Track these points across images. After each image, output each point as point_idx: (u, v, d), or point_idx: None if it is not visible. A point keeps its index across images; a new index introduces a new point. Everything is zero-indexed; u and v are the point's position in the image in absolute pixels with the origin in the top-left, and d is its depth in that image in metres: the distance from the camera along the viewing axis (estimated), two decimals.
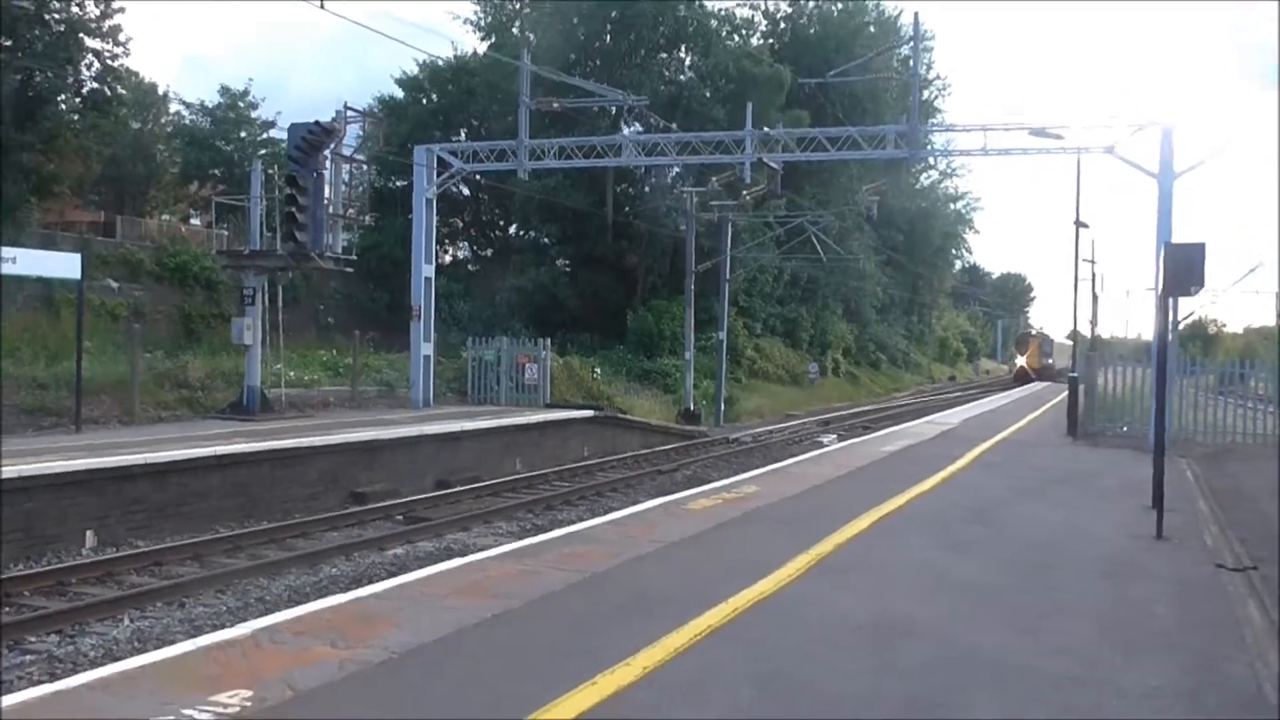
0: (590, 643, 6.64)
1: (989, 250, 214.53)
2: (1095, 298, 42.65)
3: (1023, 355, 73.68)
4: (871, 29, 57.93)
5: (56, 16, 30.76)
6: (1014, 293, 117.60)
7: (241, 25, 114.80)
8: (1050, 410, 30.09)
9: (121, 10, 32.52)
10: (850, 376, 60.59)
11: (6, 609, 10.85)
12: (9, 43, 29.47)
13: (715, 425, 36.17)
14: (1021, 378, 68.27)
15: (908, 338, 76.49)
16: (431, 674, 6.03)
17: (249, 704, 5.37)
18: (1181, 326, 44.68)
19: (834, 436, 31.21)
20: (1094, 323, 52.26)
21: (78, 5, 31.45)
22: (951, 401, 46.23)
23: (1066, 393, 25.46)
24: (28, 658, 9.39)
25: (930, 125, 42.05)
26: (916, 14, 27.63)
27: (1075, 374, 25.04)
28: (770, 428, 36.18)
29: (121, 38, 32.87)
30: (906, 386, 67.87)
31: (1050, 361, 70.93)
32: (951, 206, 75.72)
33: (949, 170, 71.66)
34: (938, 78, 67.16)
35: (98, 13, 32.03)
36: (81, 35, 31.73)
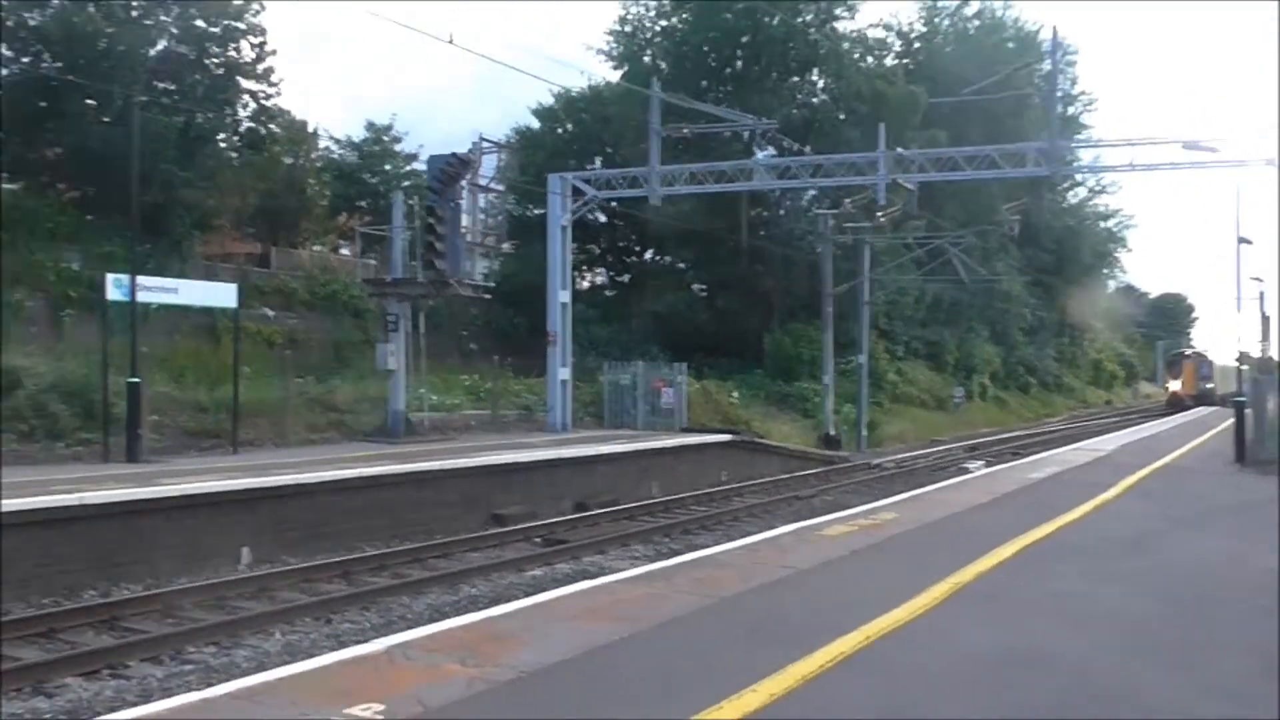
0: (716, 668, 6.59)
1: (1146, 269, 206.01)
2: (1265, 318, 40.39)
3: (1176, 379, 66.98)
4: (1010, 45, 56.55)
5: (215, 61, 32.44)
6: (1174, 313, 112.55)
7: (386, 60, 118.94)
8: (1215, 436, 28.64)
9: (274, 53, 34.09)
10: (998, 401, 58.89)
11: (170, 620, 11.41)
12: (173, 87, 31.23)
13: (856, 450, 35.64)
14: (1175, 404, 62.52)
15: (1059, 360, 73.83)
16: (556, 695, 6.08)
17: (380, 717, 5.50)
18: None
19: (980, 463, 30.37)
20: (1264, 343, 49.65)
21: (234, 49, 33.10)
22: (1106, 427, 44.51)
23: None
24: (187, 667, 9.86)
25: (1074, 141, 40.76)
26: (1055, 28, 27.33)
27: (1243, 398, 23.76)
28: (914, 453, 35.47)
29: (274, 78, 34.46)
30: (1058, 411, 65.47)
31: (1210, 386, 65.05)
32: (1102, 224, 73.01)
33: (1098, 187, 69.18)
34: (1082, 93, 65.01)
35: (253, 56, 33.65)
36: (238, 78, 33.40)
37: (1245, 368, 31.08)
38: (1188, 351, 74.99)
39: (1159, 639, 7.71)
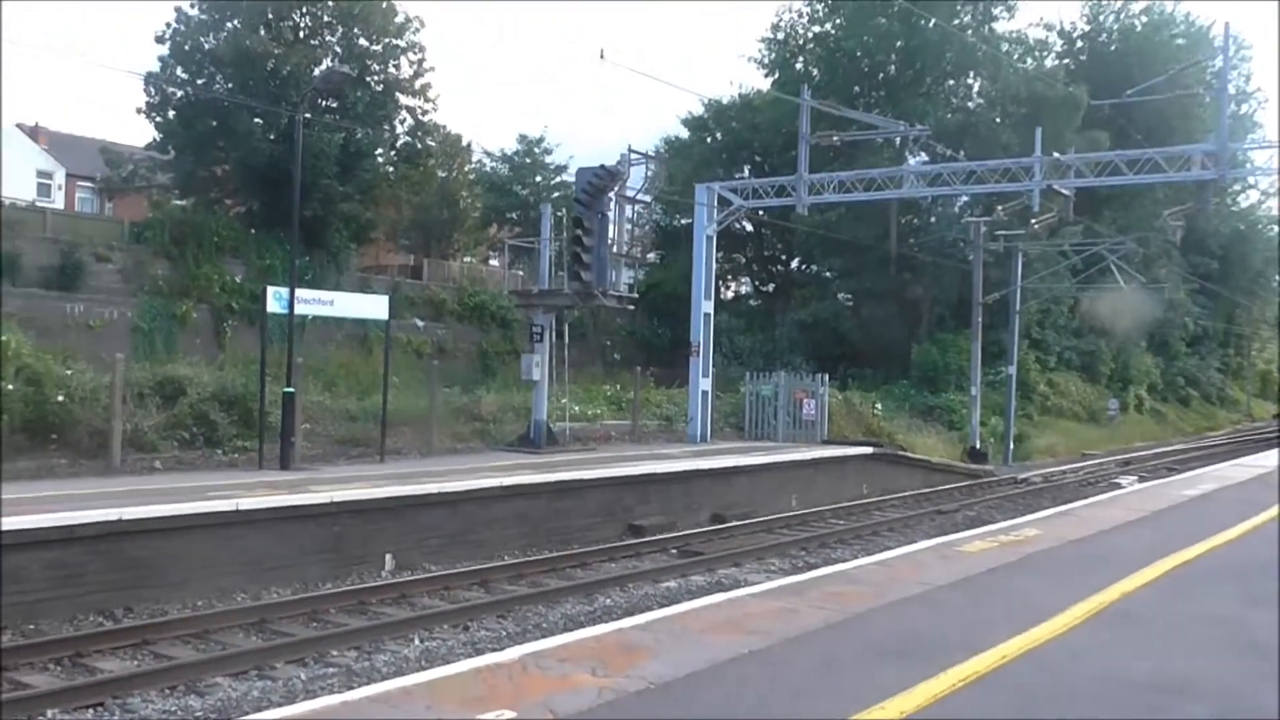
0: (842, 685, 6.56)
1: None
2: None
3: None
4: (1179, 41, 54.15)
5: (376, 78, 33.74)
6: None
7: (538, 74, 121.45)
8: None
9: (432, 69, 35.26)
10: (1155, 414, 56.43)
11: (314, 624, 11.91)
12: (335, 104, 32.63)
13: (1003, 464, 34.68)
14: None
15: (1223, 372, 70.33)
16: (682, 706, 6.14)
17: None
18: None
19: (1133, 478, 29.17)
20: None
21: (394, 66, 34.36)
22: (1272, 442, 42.16)
23: None
24: (330, 669, 10.25)
25: (1244, 143, 38.81)
26: (1227, 24, 25.81)
27: None
28: (1063, 468, 34.31)
29: (431, 94, 35.62)
30: (1221, 425, 62.38)
31: None
32: (1275, 229, 69.21)
33: (1271, 190, 65.59)
34: (1256, 90, 61.84)
35: (411, 72, 34.87)
36: (397, 94, 34.65)
37: None
38: None
39: None
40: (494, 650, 9.54)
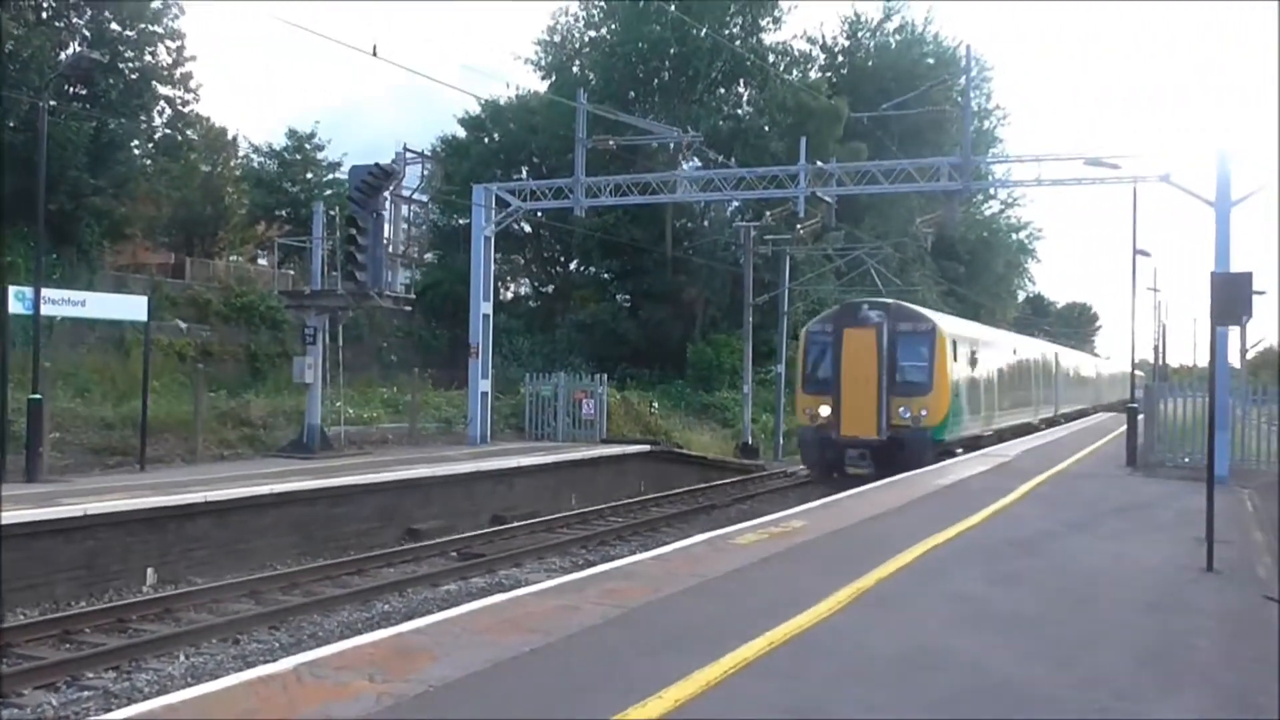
0: (622, 677, 6.73)
1: (1053, 279, 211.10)
2: (1163, 326, 41.91)
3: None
4: (930, 61, 57.76)
5: (130, 65, 31.86)
6: (1079, 322, 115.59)
7: (309, 69, 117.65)
8: (1111, 442, 29.55)
9: (193, 58, 33.62)
10: None
11: (67, 645, 11.21)
12: (84, 91, 30.60)
13: (774, 459, 36.05)
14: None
15: None
16: (464, 707, 6.16)
17: None
18: (1251, 354, 43.75)
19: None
20: (1159, 351, 51.33)
21: (150, 54, 32.55)
22: (1019, 431, 45.50)
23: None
24: (85, 693, 9.69)
25: (986, 157, 41.78)
26: (969, 47, 27.75)
27: (1135, 404, 24.61)
28: None
29: (193, 84, 33.97)
30: None
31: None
32: (1014, 236, 74.76)
33: (1010, 200, 70.85)
34: (996, 108, 66.53)
35: (169, 61, 33.13)
36: (154, 83, 32.83)
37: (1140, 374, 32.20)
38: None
39: (1046, 636, 8.06)
40: (266, 662, 9.26)
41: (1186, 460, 21.09)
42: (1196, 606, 9.24)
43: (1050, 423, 40.35)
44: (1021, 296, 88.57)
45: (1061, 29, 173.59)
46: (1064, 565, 11.11)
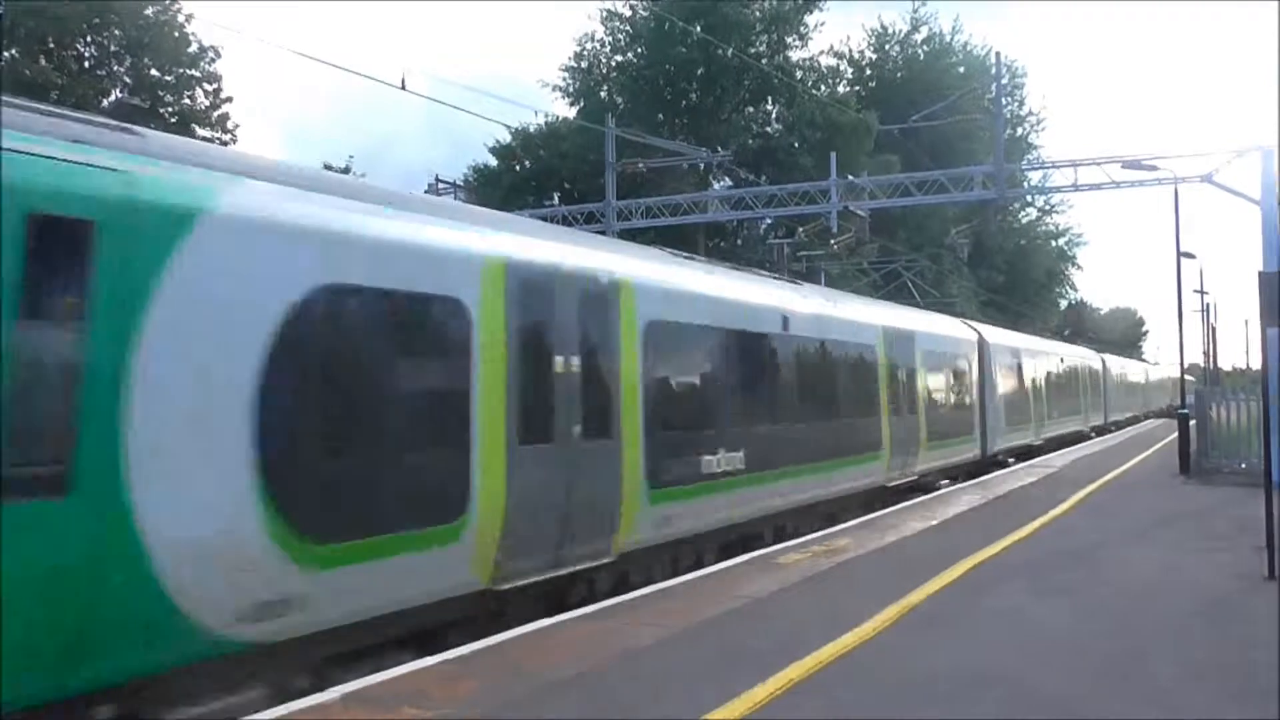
0: (669, 700, 6.68)
1: (1097, 286, 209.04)
2: (1212, 330, 41.22)
3: None
4: (960, 70, 57.60)
5: (170, 110, 32.41)
6: (1125, 328, 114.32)
7: (342, 99, 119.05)
8: (1163, 449, 29.08)
9: (229, 100, 34.13)
10: None
11: None
12: None
13: None
14: None
15: None
16: None
17: None
18: None
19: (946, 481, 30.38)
20: (1210, 354, 50.53)
21: (189, 97, 33.10)
22: (1070, 440, 45.00)
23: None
24: None
25: (1021, 164, 41.53)
26: (998, 54, 27.60)
27: (1186, 410, 24.23)
28: None
29: (229, 125, 34.48)
30: None
31: None
32: (1053, 243, 74.17)
33: (1047, 206, 70.31)
34: (1030, 114, 66.20)
35: (207, 103, 33.67)
36: (193, 125, 33.35)
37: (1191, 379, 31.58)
38: None
39: (1097, 650, 7.89)
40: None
41: (1243, 466, 20.66)
42: (1257, 615, 9.00)
43: (1101, 430, 39.70)
44: (1064, 304, 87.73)
45: (1096, 31, 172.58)
46: (1117, 577, 10.89)
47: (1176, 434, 24.15)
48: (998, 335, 28.57)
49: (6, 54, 29.41)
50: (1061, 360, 35.20)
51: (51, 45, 30.07)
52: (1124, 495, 18.75)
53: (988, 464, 24.77)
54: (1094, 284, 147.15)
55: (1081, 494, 18.49)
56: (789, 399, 14.78)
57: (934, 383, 21.41)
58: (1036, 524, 14.67)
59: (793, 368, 14.99)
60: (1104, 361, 46.57)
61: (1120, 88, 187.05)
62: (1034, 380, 29.69)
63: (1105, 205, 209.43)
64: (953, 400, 22.86)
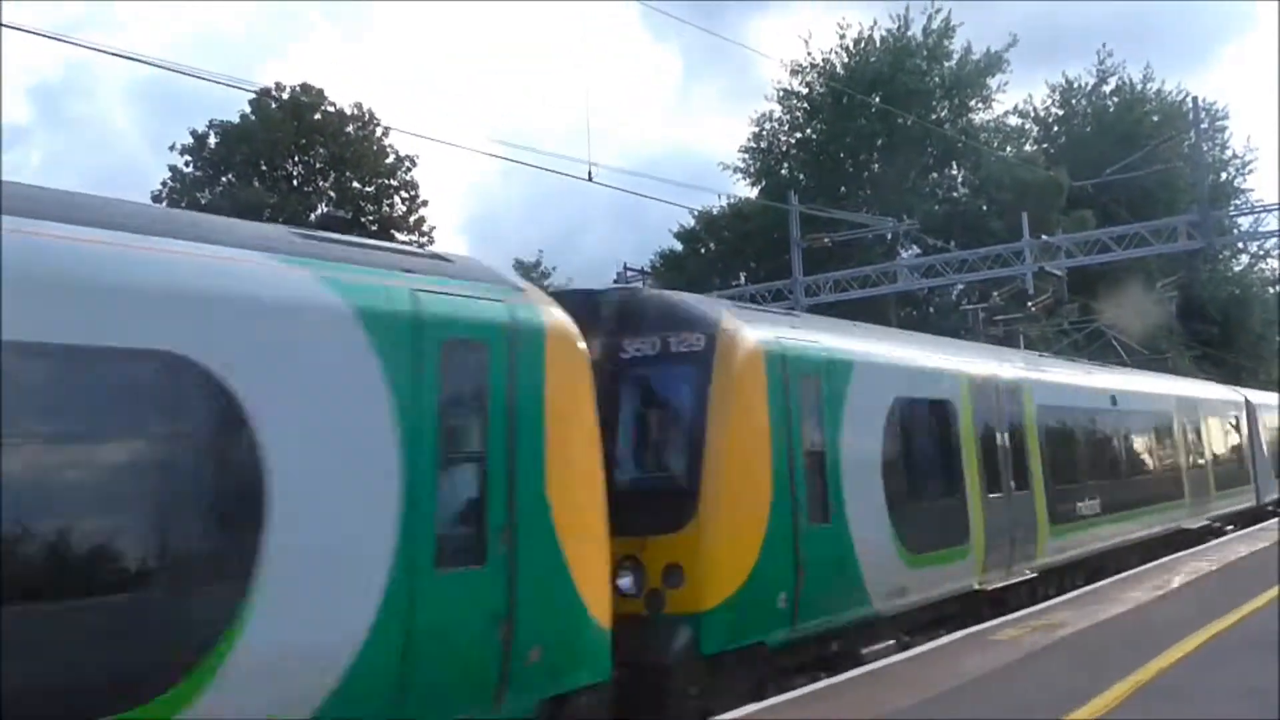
0: None
1: None
2: None
3: None
4: (1155, 118, 55.46)
5: (370, 218, 34.64)
6: None
7: (527, 192, 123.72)
8: None
9: (425, 204, 36.23)
10: None
11: None
12: None
13: None
14: None
15: None
16: None
17: None
18: None
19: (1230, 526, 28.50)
20: None
21: (388, 205, 35.32)
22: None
23: None
24: None
25: (1228, 209, 39.52)
26: (1196, 99, 26.58)
27: None
28: None
29: (425, 227, 36.57)
30: None
31: None
32: (1271, 290, 69.64)
33: (1261, 252, 66.19)
34: (1234, 156, 62.82)
35: (404, 210, 35.83)
36: (392, 231, 35.50)
37: None
38: None
39: None
40: None
41: None
42: None
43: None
44: None
45: None
46: None
47: None
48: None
49: (224, 179, 32.18)
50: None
51: (264, 168, 32.70)
52: None
53: (1262, 513, 26.51)
54: None
55: None
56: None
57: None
58: (1271, 594, 13.77)
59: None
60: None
61: None
62: None
63: None
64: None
